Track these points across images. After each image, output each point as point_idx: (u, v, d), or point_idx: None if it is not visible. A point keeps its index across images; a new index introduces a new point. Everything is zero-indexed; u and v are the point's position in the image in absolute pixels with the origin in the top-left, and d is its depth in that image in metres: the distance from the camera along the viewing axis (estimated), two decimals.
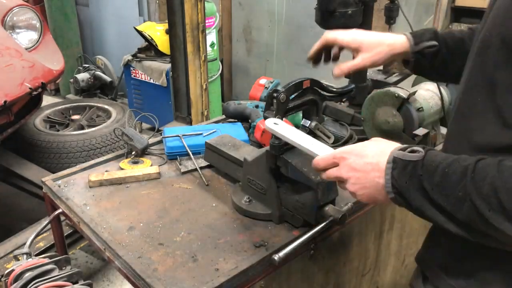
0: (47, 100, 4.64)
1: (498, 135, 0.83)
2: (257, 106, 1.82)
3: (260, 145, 1.67)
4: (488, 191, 0.74)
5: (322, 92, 1.31)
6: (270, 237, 1.26)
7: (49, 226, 1.52)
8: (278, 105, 1.17)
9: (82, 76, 4.89)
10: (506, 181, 0.73)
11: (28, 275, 1.14)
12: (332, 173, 0.99)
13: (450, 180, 0.79)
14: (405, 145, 0.91)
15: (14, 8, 2.88)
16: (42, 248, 2.19)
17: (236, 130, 1.73)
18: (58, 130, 3.47)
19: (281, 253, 1.12)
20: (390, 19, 1.78)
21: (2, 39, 2.69)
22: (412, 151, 0.87)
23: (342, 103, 1.95)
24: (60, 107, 3.74)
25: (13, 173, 2.94)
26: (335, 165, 0.98)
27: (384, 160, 0.89)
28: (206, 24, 3.14)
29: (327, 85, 1.33)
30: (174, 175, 1.56)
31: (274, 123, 1.15)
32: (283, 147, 1.21)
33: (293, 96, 1.25)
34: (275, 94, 1.17)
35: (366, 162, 0.92)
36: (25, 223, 2.72)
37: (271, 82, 1.93)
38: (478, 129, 0.87)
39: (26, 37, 2.92)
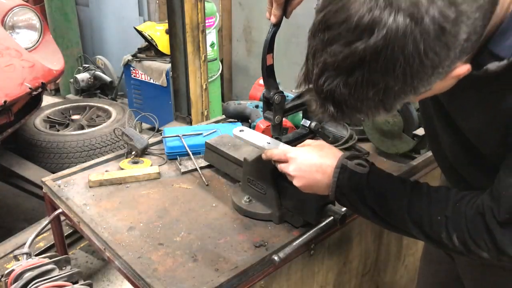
0: (47, 100, 4.64)
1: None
2: (257, 106, 1.82)
3: None
4: (415, 215, 0.95)
5: None
6: (270, 237, 1.26)
7: (49, 226, 1.52)
8: (275, 106, 1.17)
9: (82, 76, 4.89)
10: (432, 214, 0.93)
11: (28, 275, 1.15)
12: (281, 167, 1.15)
13: (388, 203, 0.99)
14: (350, 154, 1.07)
15: (14, 8, 2.88)
16: (42, 248, 2.19)
17: None
18: (58, 130, 3.47)
19: (281, 253, 1.12)
20: None
21: (2, 39, 2.69)
22: (359, 164, 1.04)
23: None
24: (60, 107, 3.74)
25: (13, 173, 2.94)
26: (286, 161, 1.13)
27: (328, 164, 1.06)
28: (206, 24, 3.14)
29: None
30: (174, 175, 1.56)
31: (240, 131, 1.31)
32: None
33: (294, 96, 1.25)
34: (267, 97, 1.17)
35: (311, 163, 1.08)
36: (25, 223, 2.73)
37: None
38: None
39: (26, 37, 2.92)
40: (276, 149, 1.18)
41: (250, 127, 1.77)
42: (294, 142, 1.48)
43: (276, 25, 1.14)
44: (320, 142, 1.17)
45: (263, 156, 1.20)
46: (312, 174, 1.07)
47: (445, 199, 0.93)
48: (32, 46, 2.91)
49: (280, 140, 1.27)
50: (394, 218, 0.99)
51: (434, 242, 0.94)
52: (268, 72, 1.16)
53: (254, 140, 1.24)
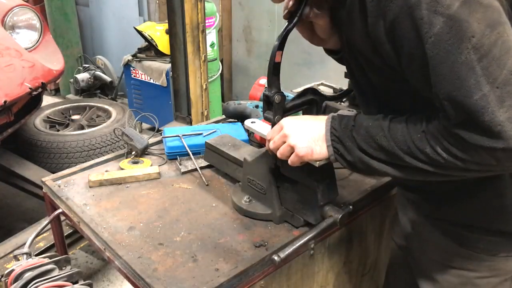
0: (47, 100, 4.64)
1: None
2: (257, 106, 1.82)
3: (260, 145, 1.67)
4: (400, 141, 0.96)
5: (322, 92, 1.31)
6: (270, 237, 1.26)
7: (49, 226, 1.52)
8: (275, 106, 1.16)
9: (82, 76, 4.89)
10: (411, 134, 0.95)
11: (28, 275, 1.15)
12: (277, 135, 1.12)
13: (371, 130, 1.01)
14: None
15: (14, 8, 2.88)
16: (42, 248, 2.19)
17: (236, 130, 1.73)
18: (58, 130, 3.47)
19: (281, 253, 1.12)
20: None
21: (2, 39, 2.69)
22: (349, 110, 1.08)
23: (342, 103, 1.95)
24: (60, 107, 3.75)
25: (13, 173, 2.94)
26: (280, 130, 1.12)
27: (322, 118, 1.09)
28: (206, 24, 3.14)
29: (327, 86, 1.33)
30: (174, 175, 1.56)
31: (252, 122, 1.31)
32: None
33: (293, 96, 1.25)
34: (267, 96, 1.16)
35: (306, 120, 1.11)
36: (25, 223, 2.72)
37: None
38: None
39: (26, 37, 2.92)
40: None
41: None
42: None
43: (290, 22, 1.13)
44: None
45: (266, 145, 1.18)
46: (309, 128, 1.08)
47: (416, 120, 0.96)
48: (32, 46, 2.91)
49: None
50: (385, 154, 0.99)
51: (426, 163, 0.94)
52: (274, 69, 1.15)
53: (265, 131, 1.24)
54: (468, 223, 1.11)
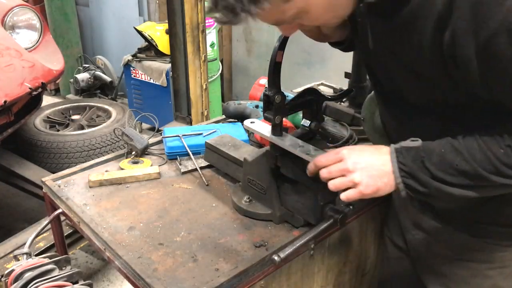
0: (47, 100, 4.64)
1: None
2: (257, 106, 1.82)
3: (260, 145, 1.67)
4: (481, 160, 0.93)
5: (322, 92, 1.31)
6: (270, 237, 1.26)
7: (49, 226, 1.52)
8: (275, 106, 1.16)
9: (82, 76, 4.89)
10: (493, 151, 0.91)
11: (28, 275, 1.15)
12: (336, 167, 1.05)
13: (447, 157, 0.95)
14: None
15: (14, 8, 2.88)
16: (42, 248, 2.19)
17: (236, 130, 1.73)
18: (58, 130, 3.47)
19: (281, 253, 1.12)
20: None
21: (2, 39, 2.68)
22: (411, 140, 1.00)
23: (342, 103, 1.95)
24: (60, 107, 3.74)
25: (13, 173, 2.94)
26: (338, 160, 1.05)
27: (386, 152, 1.02)
28: (206, 24, 3.14)
29: (327, 86, 1.33)
30: (174, 175, 1.56)
31: (251, 122, 1.29)
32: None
33: (293, 96, 1.25)
34: (267, 96, 1.16)
35: (369, 155, 1.03)
36: (25, 223, 2.72)
37: None
38: None
39: (26, 37, 2.92)
40: (322, 155, 1.10)
41: None
42: None
43: None
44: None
45: (311, 168, 1.10)
46: (374, 165, 1.01)
47: (491, 135, 0.92)
48: (32, 46, 2.91)
49: None
50: (468, 178, 0.94)
51: None
52: (275, 69, 1.14)
53: (264, 131, 1.24)
54: (479, 216, 1.12)
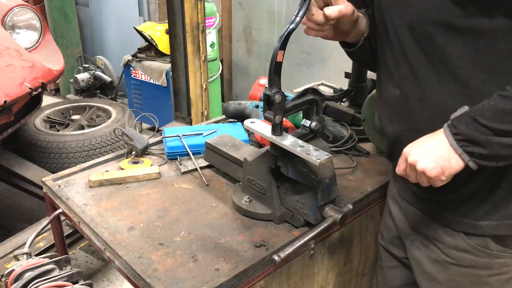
0: (47, 100, 4.64)
1: None
2: (257, 106, 1.82)
3: (260, 146, 1.67)
4: None
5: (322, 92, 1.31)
6: (270, 237, 1.26)
7: (49, 226, 1.52)
8: (275, 106, 1.16)
9: (82, 76, 4.89)
10: None
11: (28, 275, 1.15)
12: (404, 165, 1.07)
13: (498, 106, 0.94)
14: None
15: (14, 8, 2.88)
16: (42, 248, 2.19)
17: (236, 130, 1.73)
18: (58, 130, 3.48)
19: (282, 253, 1.12)
20: None
21: (2, 39, 2.69)
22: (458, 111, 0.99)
23: (342, 103, 1.95)
24: (60, 107, 3.75)
25: (13, 173, 2.94)
26: (404, 159, 1.07)
27: (440, 132, 1.01)
28: (206, 24, 3.14)
29: (327, 86, 1.33)
30: (174, 175, 1.56)
31: (251, 122, 1.28)
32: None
33: (293, 96, 1.25)
34: (268, 95, 1.16)
35: (424, 141, 1.03)
36: (25, 223, 2.73)
37: None
38: None
39: (26, 37, 2.92)
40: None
41: None
42: None
43: (294, 24, 1.13)
44: None
45: (400, 172, 1.10)
46: (433, 148, 1.01)
47: None
48: (32, 46, 2.91)
49: None
50: None
51: None
52: (276, 69, 1.15)
53: (264, 131, 1.24)
54: (481, 221, 1.12)
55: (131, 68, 4.10)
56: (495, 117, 0.94)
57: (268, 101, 1.17)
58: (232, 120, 1.91)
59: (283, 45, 1.13)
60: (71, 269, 1.21)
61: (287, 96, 1.20)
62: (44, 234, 2.20)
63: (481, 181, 1.10)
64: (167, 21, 3.40)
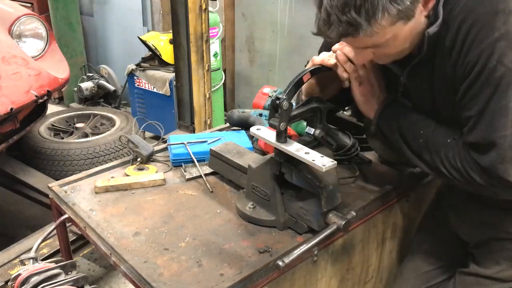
0: (51, 108, 4.65)
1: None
2: (260, 115, 1.85)
3: (264, 153, 1.69)
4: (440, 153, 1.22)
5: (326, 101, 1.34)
6: (274, 243, 1.27)
7: (54, 232, 1.53)
8: (281, 112, 1.18)
9: (86, 85, 4.92)
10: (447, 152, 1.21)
11: (34, 279, 1.16)
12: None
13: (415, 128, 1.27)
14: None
15: (21, 17, 2.92)
16: (46, 255, 2.20)
17: (240, 138, 1.75)
18: (62, 138, 3.49)
19: (286, 259, 1.13)
20: None
21: (9, 47, 2.72)
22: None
23: (344, 112, 1.97)
24: (64, 115, 3.77)
25: (18, 180, 2.96)
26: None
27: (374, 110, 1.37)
28: (210, 34, 3.18)
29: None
30: (179, 182, 1.57)
31: (257, 129, 1.33)
32: (287, 154, 1.23)
33: (297, 104, 1.27)
34: (277, 101, 1.19)
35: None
36: (27, 230, 2.73)
37: (275, 91, 1.95)
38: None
39: (32, 46, 2.95)
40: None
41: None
42: None
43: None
44: None
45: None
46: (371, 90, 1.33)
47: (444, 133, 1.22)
48: (38, 55, 2.94)
49: None
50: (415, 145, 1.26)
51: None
52: (297, 83, 1.28)
53: (270, 138, 1.26)
54: None
55: (135, 77, 4.14)
56: (410, 132, 1.27)
57: (275, 107, 1.19)
58: (236, 128, 1.93)
59: (315, 71, 1.33)
60: (77, 273, 1.22)
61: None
62: (48, 241, 2.21)
63: None
64: (170, 31, 3.44)
